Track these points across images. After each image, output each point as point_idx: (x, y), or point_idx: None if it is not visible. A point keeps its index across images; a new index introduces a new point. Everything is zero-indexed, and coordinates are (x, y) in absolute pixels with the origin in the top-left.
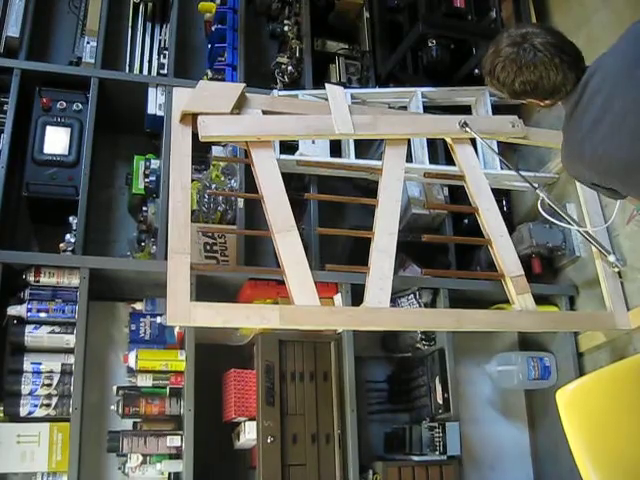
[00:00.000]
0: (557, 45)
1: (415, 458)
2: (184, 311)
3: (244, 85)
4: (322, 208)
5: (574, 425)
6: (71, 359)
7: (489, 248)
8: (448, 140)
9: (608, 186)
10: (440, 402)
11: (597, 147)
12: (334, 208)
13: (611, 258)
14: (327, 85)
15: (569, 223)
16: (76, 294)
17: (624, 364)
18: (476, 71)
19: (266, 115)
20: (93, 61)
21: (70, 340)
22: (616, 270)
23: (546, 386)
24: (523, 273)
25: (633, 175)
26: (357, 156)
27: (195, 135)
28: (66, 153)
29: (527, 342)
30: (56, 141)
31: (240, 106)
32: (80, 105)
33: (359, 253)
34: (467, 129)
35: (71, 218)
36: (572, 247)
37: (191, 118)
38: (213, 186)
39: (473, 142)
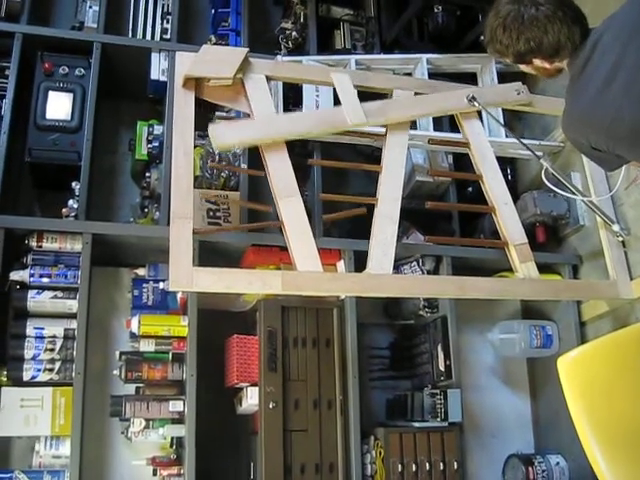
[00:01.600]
0: (558, 1)
1: (416, 424)
2: (186, 276)
3: (247, 50)
4: (326, 175)
5: (575, 392)
6: (74, 324)
7: (493, 216)
8: None
9: (615, 151)
10: (442, 369)
11: (609, 107)
12: (338, 175)
13: (615, 227)
14: (333, 75)
15: (573, 193)
16: (79, 259)
17: (625, 332)
18: (482, 38)
19: (278, 115)
20: (96, 26)
21: (73, 305)
22: (620, 239)
23: (548, 354)
24: (527, 241)
25: None
26: None
27: (198, 100)
28: (69, 118)
29: (530, 311)
30: (58, 106)
31: (243, 71)
32: (83, 70)
33: (363, 221)
34: (475, 103)
35: (74, 184)
36: (576, 216)
37: (194, 83)
38: (216, 152)
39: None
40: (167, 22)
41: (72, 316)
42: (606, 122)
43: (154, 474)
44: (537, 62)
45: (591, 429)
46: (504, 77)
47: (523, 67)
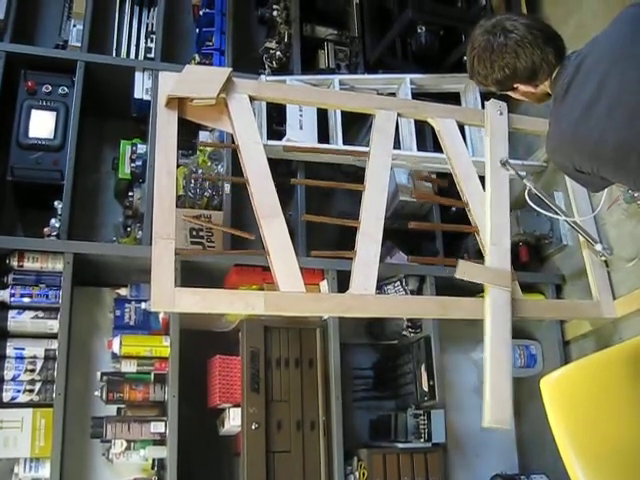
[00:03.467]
0: (527, 24)
1: (400, 445)
2: (168, 297)
3: (230, 70)
4: (310, 195)
5: (558, 413)
6: (55, 344)
7: (476, 236)
8: (436, 127)
9: (599, 173)
10: (425, 389)
11: (592, 129)
12: (322, 195)
13: (598, 247)
14: None
15: (556, 213)
16: (60, 279)
17: (609, 352)
18: (465, 58)
19: None
20: (79, 44)
21: (54, 325)
22: (603, 259)
23: (532, 374)
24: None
25: (630, 157)
26: (345, 143)
27: (181, 120)
28: (52, 137)
29: (514, 330)
30: (41, 125)
31: (227, 91)
32: (66, 89)
33: (347, 240)
34: (508, 167)
35: (56, 203)
36: (559, 235)
37: (177, 102)
38: (199, 171)
39: (461, 129)
40: (151, 41)
41: (53, 336)
42: (590, 145)
43: None
44: (521, 87)
45: (574, 450)
46: (487, 97)
47: (512, 94)
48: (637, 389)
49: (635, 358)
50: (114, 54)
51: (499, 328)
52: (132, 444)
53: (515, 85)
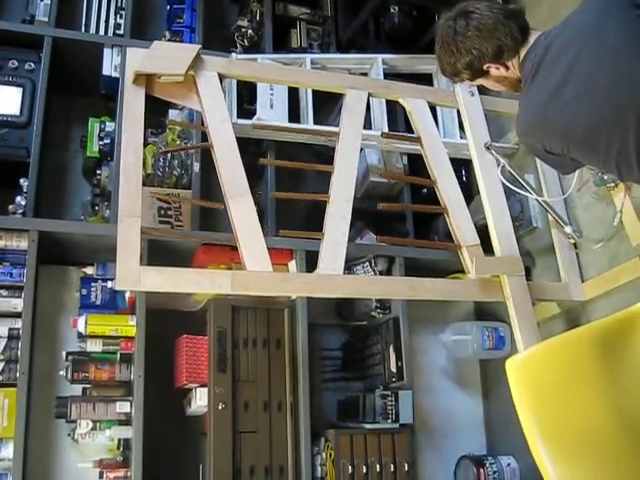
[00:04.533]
0: (487, 4)
1: (367, 426)
2: (133, 275)
3: (199, 47)
4: (281, 176)
5: (523, 394)
6: (19, 323)
7: (445, 217)
8: (407, 107)
9: (570, 155)
10: (394, 370)
11: (562, 111)
12: (293, 176)
13: (568, 229)
14: None
15: (528, 192)
16: (25, 257)
17: (574, 334)
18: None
19: None
20: (47, 19)
21: (18, 304)
22: (572, 241)
23: (500, 356)
24: (479, 242)
25: (600, 139)
26: (316, 123)
27: (151, 98)
28: (18, 113)
29: (483, 312)
30: (7, 101)
31: (195, 68)
32: (33, 64)
33: (317, 221)
34: (492, 151)
35: (22, 180)
36: (529, 217)
37: (145, 79)
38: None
39: (432, 110)
40: (120, 17)
41: (17, 315)
42: (560, 126)
43: (100, 477)
44: (493, 70)
45: (538, 431)
46: None
47: (485, 83)
48: (602, 370)
49: (601, 339)
50: (83, 30)
51: (523, 313)
52: (98, 424)
53: (486, 66)
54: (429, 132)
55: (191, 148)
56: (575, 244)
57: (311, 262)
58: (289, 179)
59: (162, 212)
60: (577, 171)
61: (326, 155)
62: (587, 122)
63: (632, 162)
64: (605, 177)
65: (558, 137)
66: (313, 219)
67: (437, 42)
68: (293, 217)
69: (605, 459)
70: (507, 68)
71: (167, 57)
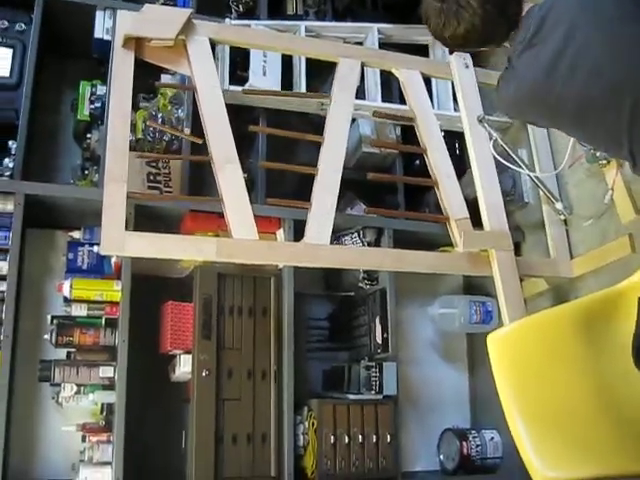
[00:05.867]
0: None
1: (351, 396)
2: (118, 240)
3: (191, 11)
4: (274, 144)
5: (503, 369)
6: (3, 286)
7: (435, 189)
8: (400, 78)
9: (556, 127)
10: (379, 342)
11: (554, 85)
12: (286, 144)
13: (558, 205)
14: None
15: (520, 167)
16: (11, 220)
17: (558, 310)
18: None
19: None
20: None
21: (3, 267)
22: (562, 218)
23: (487, 330)
24: (468, 216)
25: (589, 116)
26: (309, 91)
27: (142, 61)
28: (7, 75)
29: (472, 286)
30: None
31: (186, 33)
32: (24, 25)
33: (307, 191)
34: (485, 124)
35: (10, 142)
36: (521, 193)
37: (134, 42)
38: (159, 115)
39: (426, 81)
40: None
41: (2, 278)
42: (551, 101)
43: (83, 440)
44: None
45: (517, 407)
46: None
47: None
48: (585, 348)
49: (585, 317)
50: None
51: (510, 289)
52: (82, 388)
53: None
54: (422, 104)
55: (177, 132)
56: (565, 221)
57: (299, 231)
58: (282, 147)
59: (151, 177)
60: (570, 147)
61: (321, 124)
62: (577, 97)
63: (623, 141)
64: (597, 154)
65: (547, 112)
66: (305, 187)
67: (430, 19)
68: (285, 185)
69: (584, 437)
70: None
71: (158, 21)
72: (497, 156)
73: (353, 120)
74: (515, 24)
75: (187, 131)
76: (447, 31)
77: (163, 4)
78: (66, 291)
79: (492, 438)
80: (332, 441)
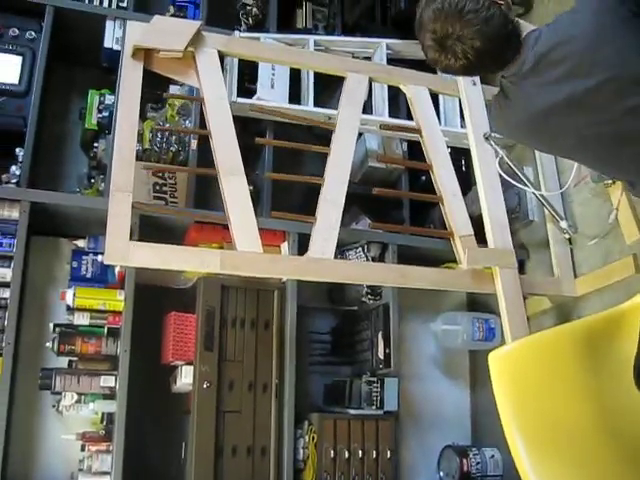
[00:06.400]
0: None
1: (351, 411)
2: (122, 250)
3: (200, 23)
4: (280, 156)
5: (504, 388)
6: (7, 293)
7: (440, 206)
8: (407, 94)
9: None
10: (381, 357)
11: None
12: (292, 156)
13: (563, 224)
14: None
15: (525, 185)
16: (16, 227)
17: (559, 330)
18: None
19: None
20: None
21: (7, 274)
22: (567, 237)
23: (490, 347)
24: (472, 233)
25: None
26: (317, 105)
27: (150, 72)
28: (17, 82)
29: (475, 303)
30: (7, 69)
31: (195, 45)
32: (34, 33)
33: (313, 204)
34: (491, 142)
35: (17, 150)
36: (526, 211)
37: (143, 53)
38: (167, 126)
39: (434, 97)
40: None
41: (6, 285)
42: (551, 132)
43: (82, 449)
44: None
45: (517, 426)
46: None
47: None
48: (586, 368)
49: (587, 337)
50: (86, 0)
51: (513, 306)
52: (82, 397)
53: None
54: (428, 120)
55: (185, 132)
56: (570, 239)
57: (304, 245)
58: (288, 159)
59: (157, 188)
60: (575, 166)
61: (327, 137)
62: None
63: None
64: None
65: (546, 141)
66: (310, 200)
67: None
68: (290, 197)
69: (583, 457)
70: None
71: (167, 32)
72: (503, 174)
73: (360, 135)
74: (516, 53)
75: (194, 143)
76: (443, 64)
77: (173, 15)
78: (69, 299)
79: (493, 456)
80: (332, 456)
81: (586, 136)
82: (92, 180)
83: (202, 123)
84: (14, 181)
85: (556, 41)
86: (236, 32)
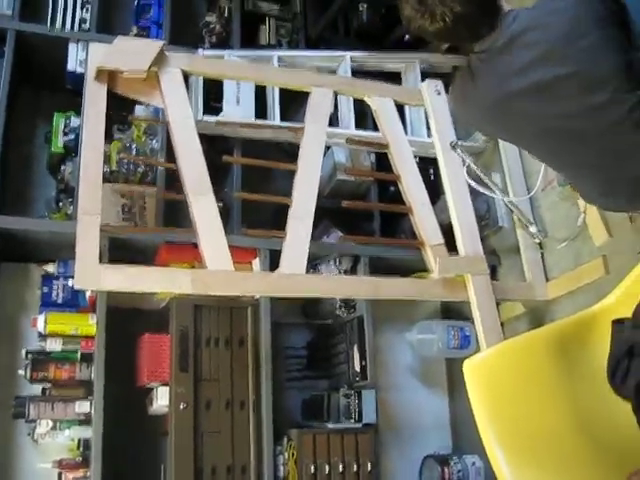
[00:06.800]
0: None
1: (330, 425)
2: (92, 274)
3: (163, 43)
4: (249, 173)
5: (479, 395)
6: None
7: (410, 216)
8: (372, 106)
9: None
10: (358, 370)
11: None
12: (261, 172)
13: (532, 229)
14: None
15: (493, 192)
16: None
17: (531, 335)
18: (407, 37)
19: None
20: (10, 12)
21: None
22: (537, 241)
23: (466, 355)
24: (443, 242)
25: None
26: (283, 120)
27: (111, 93)
28: None
29: (449, 310)
30: None
31: (159, 65)
32: None
33: (283, 220)
34: (458, 150)
35: None
36: (495, 217)
37: (107, 75)
38: (134, 146)
39: (400, 108)
40: (87, 11)
41: None
42: (514, 118)
43: (59, 478)
44: None
45: (495, 433)
46: (428, 76)
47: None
48: (560, 372)
49: (560, 340)
50: (49, 23)
51: (487, 313)
52: (57, 424)
53: None
54: (394, 131)
55: (152, 163)
56: (540, 244)
57: (276, 260)
58: (257, 174)
59: (126, 209)
60: (542, 170)
61: (295, 153)
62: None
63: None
64: None
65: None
66: (281, 214)
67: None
68: (260, 213)
69: (561, 461)
70: None
71: (130, 53)
72: (470, 181)
73: (328, 148)
74: (491, 29)
75: (161, 161)
76: (417, 23)
77: (136, 35)
78: (40, 326)
79: (474, 463)
80: (312, 471)
81: (547, 127)
82: (60, 203)
83: (169, 142)
84: None
85: (532, 24)
86: (200, 50)
